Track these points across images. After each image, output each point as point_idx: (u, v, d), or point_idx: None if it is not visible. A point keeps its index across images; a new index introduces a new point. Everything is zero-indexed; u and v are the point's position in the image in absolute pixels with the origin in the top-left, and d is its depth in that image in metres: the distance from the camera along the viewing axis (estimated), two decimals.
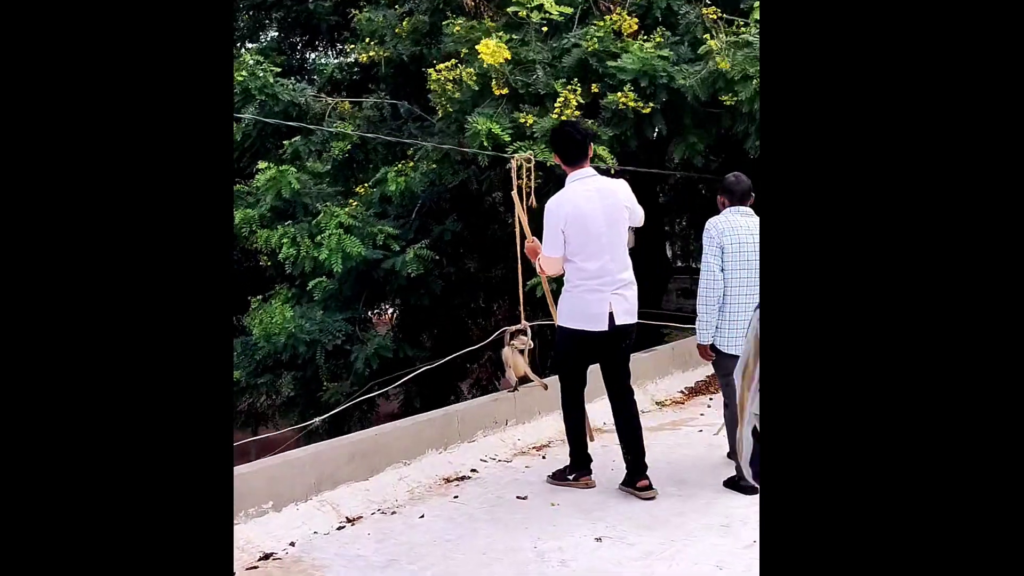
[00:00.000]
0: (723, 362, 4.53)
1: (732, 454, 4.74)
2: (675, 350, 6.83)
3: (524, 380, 5.54)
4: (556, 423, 5.36)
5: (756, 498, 4.15)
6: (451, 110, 7.60)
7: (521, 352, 5.56)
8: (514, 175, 5.39)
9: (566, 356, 4.57)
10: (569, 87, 6.91)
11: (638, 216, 4.54)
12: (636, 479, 4.38)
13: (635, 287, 4.45)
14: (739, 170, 4.78)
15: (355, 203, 8.87)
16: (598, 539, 3.82)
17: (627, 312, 4.38)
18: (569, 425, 4.61)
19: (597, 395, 5.68)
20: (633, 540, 3.80)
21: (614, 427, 4.56)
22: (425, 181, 8.59)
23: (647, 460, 4.42)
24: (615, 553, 3.67)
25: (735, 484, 4.43)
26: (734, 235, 4.45)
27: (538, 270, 4.70)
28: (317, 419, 7.20)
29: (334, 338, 8.20)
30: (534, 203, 5.43)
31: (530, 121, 6.88)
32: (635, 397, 4.59)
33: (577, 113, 6.80)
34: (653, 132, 7.09)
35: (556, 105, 6.86)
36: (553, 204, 4.36)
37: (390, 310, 10.24)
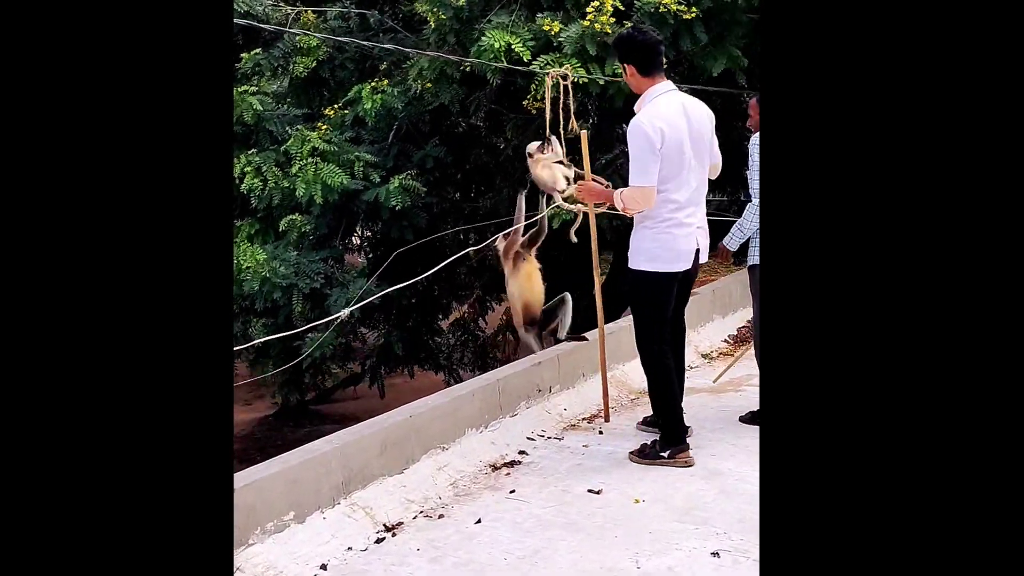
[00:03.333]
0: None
1: None
2: (715, 293, 6.06)
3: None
4: (601, 387, 4.58)
5: None
6: (445, 18, 6.54)
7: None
8: (548, 96, 4.51)
9: (650, 305, 3.89)
10: None
11: (716, 150, 3.97)
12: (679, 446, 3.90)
13: (705, 220, 4.01)
14: None
15: (324, 127, 7.86)
16: (715, 554, 3.07)
17: (706, 248, 3.98)
18: (657, 387, 3.92)
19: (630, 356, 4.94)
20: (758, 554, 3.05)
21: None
22: (404, 99, 7.61)
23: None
24: (743, 574, 2.93)
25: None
26: None
27: (620, 208, 3.84)
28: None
29: (312, 281, 7.27)
30: (575, 127, 4.57)
31: (556, 29, 5.86)
32: None
33: (611, 20, 5.83)
34: (696, 42, 6.08)
35: (589, 10, 5.86)
36: (644, 122, 3.65)
37: (367, 247, 9.30)
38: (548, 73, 4.59)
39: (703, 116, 3.83)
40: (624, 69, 3.87)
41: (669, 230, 3.76)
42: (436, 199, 8.57)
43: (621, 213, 3.91)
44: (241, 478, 3.14)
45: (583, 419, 4.49)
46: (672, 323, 4.00)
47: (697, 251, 3.87)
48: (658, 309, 3.88)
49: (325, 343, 7.29)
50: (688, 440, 3.96)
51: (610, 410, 4.51)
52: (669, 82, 3.84)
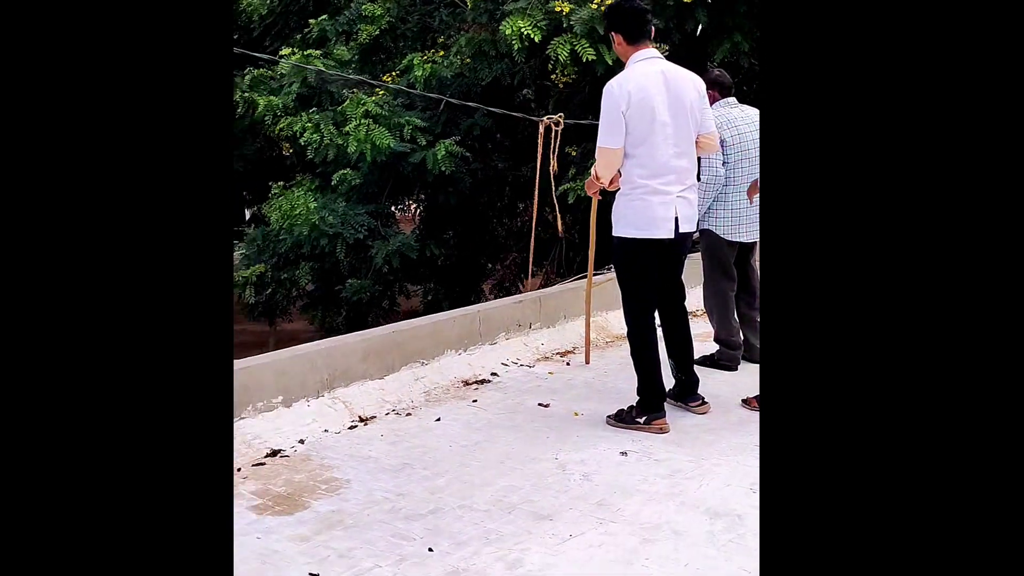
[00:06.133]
0: (716, 246, 4.70)
1: (718, 338, 4.82)
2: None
3: None
4: (581, 328, 5.12)
5: None
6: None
7: None
8: (540, 141, 5.03)
9: (633, 270, 3.92)
10: None
11: (708, 122, 3.97)
12: (689, 400, 4.12)
13: (696, 192, 3.98)
14: None
15: (382, 92, 8.52)
16: (623, 453, 3.60)
17: (690, 219, 3.91)
18: (640, 354, 3.93)
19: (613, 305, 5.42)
20: (661, 456, 3.58)
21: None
22: (454, 71, 8.22)
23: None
24: (641, 469, 3.45)
25: (713, 362, 4.74)
26: (732, 128, 4.56)
27: (594, 178, 3.99)
28: None
29: (356, 232, 7.95)
30: (555, 168, 5.07)
31: (567, 10, 6.43)
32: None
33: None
34: (696, 27, 6.57)
35: None
36: (614, 85, 3.80)
37: (414, 207, 9.94)
38: (541, 120, 5.04)
39: (686, 83, 3.83)
40: (613, 38, 3.93)
41: (644, 197, 3.78)
42: (481, 166, 9.17)
43: (606, 188, 3.99)
44: (237, 364, 3.79)
45: (557, 353, 5.03)
46: (667, 291, 4.03)
47: (678, 220, 3.81)
48: (640, 275, 3.91)
49: (363, 288, 7.96)
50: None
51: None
52: (653, 49, 3.89)
